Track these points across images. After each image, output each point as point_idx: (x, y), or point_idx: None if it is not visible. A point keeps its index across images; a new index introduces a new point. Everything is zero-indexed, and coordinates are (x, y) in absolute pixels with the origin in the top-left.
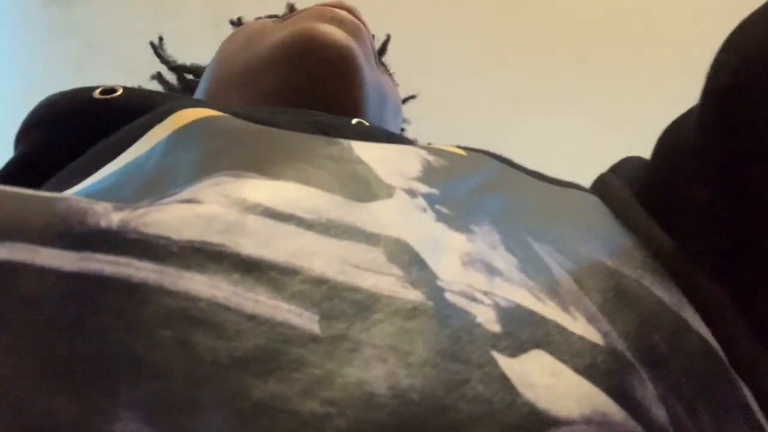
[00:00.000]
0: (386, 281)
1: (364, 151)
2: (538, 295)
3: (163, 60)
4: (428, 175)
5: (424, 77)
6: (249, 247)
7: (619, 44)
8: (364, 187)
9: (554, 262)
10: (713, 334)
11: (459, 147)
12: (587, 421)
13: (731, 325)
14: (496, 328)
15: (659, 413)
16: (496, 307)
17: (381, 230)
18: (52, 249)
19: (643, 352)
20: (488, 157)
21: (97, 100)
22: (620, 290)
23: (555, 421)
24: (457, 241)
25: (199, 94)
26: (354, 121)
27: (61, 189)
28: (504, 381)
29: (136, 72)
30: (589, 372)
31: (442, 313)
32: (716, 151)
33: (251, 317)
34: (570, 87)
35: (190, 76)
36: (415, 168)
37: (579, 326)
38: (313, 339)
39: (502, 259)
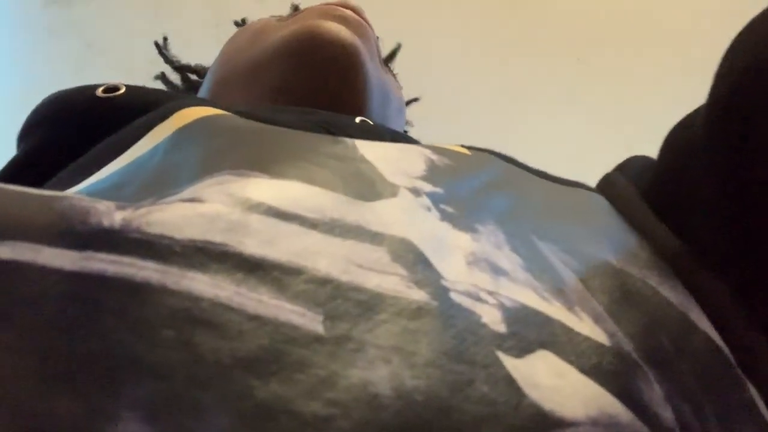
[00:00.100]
0: (390, 281)
1: (368, 149)
2: (544, 295)
3: (167, 60)
4: (433, 174)
5: (424, 77)
6: (252, 246)
7: (619, 44)
8: (368, 186)
9: (560, 261)
10: (719, 334)
11: (463, 146)
12: (594, 422)
13: (737, 325)
14: (502, 328)
15: (666, 414)
16: (501, 307)
17: (385, 229)
18: (54, 248)
19: (649, 353)
20: (493, 156)
21: (100, 98)
22: (626, 290)
23: (561, 423)
24: (461, 240)
25: (202, 93)
26: (358, 119)
27: (63, 187)
28: (509, 382)
29: (136, 72)
30: (595, 373)
31: (447, 313)
32: (722, 153)
33: (254, 317)
34: (570, 87)
35: (193, 77)
36: (420, 167)
37: (585, 326)
38: (317, 339)
39: (507, 259)
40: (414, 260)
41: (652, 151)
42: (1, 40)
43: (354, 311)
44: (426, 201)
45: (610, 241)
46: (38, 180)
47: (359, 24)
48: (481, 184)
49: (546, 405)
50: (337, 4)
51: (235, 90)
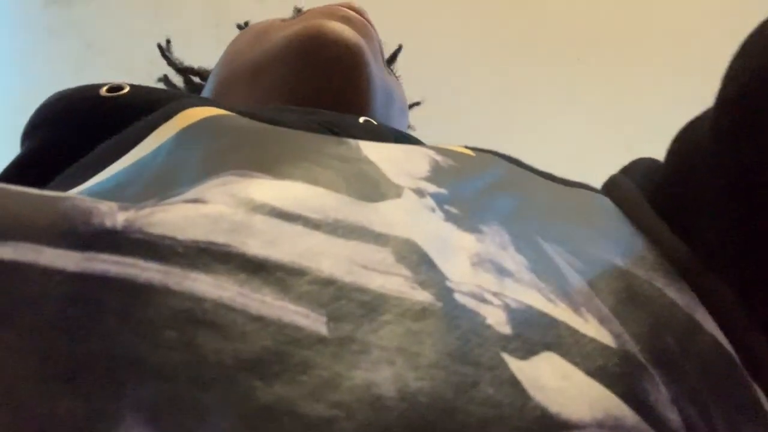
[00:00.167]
0: (394, 282)
1: (372, 150)
2: (549, 297)
3: (170, 62)
4: (437, 175)
5: (425, 78)
6: (255, 247)
7: (619, 44)
8: (371, 186)
9: (565, 262)
10: (725, 336)
11: (467, 147)
12: (599, 424)
13: (744, 327)
14: (506, 329)
15: (672, 416)
16: (506, 308)
17: (389, 230)
18: (57, 249)
19: (655, 354)
20: (497, 157)
21: (104, 97)
22: (632, 291)
23: (567, 425)
24: (466, 241)
25: (205, 94)
26: (361, 119)
27: (67, 187)
28: (514, 383)
29: (137, 72)
30: (601, 374)
31: (452, 314)
32: (730, 157)
33: (257, 318)
34: (570, 87)
35: (196, 79)
36: (424, 168)
37: (590, 328)
38: (321, 341)
39: (512, 260)
40: (418, 261)
41: (652, 150)
42: (1, 40)
43: (358, 312)
44: (430, 202)
45: (616, 243)
46: (41, 179)
47: (363, 24)
48: (485, 185)
49: (551, 407)
50: (340, 5)
51: (238, 90)
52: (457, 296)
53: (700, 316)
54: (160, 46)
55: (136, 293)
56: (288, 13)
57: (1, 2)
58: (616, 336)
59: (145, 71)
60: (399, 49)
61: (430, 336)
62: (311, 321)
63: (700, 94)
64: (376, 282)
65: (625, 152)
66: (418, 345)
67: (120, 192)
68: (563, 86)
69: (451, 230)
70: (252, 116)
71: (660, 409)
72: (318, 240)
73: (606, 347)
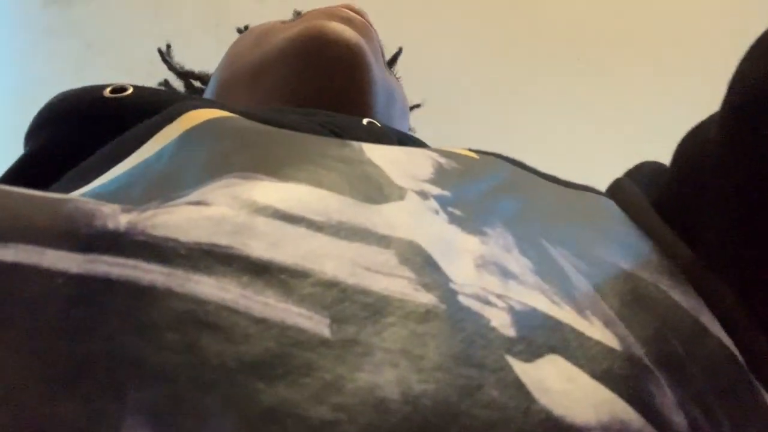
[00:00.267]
0: (398, 284)
1: (375, 152)
2: (554, 299)
3: (171, 66)
4: (440, 177)
5: (424, 78)
6: (258, 249)
7: (619, 44)
8: (375, 189)
9: (570, 265)
10: (731, 339)
11: (471, 150)
12: (605, 428)
13: (749, 330)
14: (511, 332)
15: (678, 419)
16: (511, 310)
17: (392, 232)
18: (59, 251)
19: (661, 357)
20: (501, 160)
21: (107, 99)
22: (637, 294)
23: (572, 428)
24: (470, 243)
25: (207, 97)
26: (365, 121)
27: (69, 189)
28: (519, 386)
29: (136, 72)
30: (606, 377)
31: (456, 316)
32: (736, 161)
33: (260, 320)
34: (570, 87)
35: (197, 83)
36: (427, 170)
37: (596, 331)
38: (324, 343)
39: (517, 262)
40: (422, 263)
41: (652, 150)
42: (1, 40)
43: (361, 314)
44: (434, 204)
45: (621, 246)
46: (44, 180)
47: (363, 25)
48: (489, 188)
49: (556, 410)
50: (340, 7)
51: (240, 92)
52: (461, 298)
53: (706, 318)
54: (160, 51)
55: (138, 295)
56: (288, 13)
57: (1, 2)
58: (622, 339)
59: (145, 71)
60: (399, 51)
61: (434, 338)
62: (314, 323)
63: (700, 94)
64: (380, 284)
65: (624, 152)
66: (421, 347)
67: (123, 194)
68: (563, 86)
69: (454, 232)
70: (255, 118)
71: (666, 412)
72: (321, 242)
73: (611, 350)
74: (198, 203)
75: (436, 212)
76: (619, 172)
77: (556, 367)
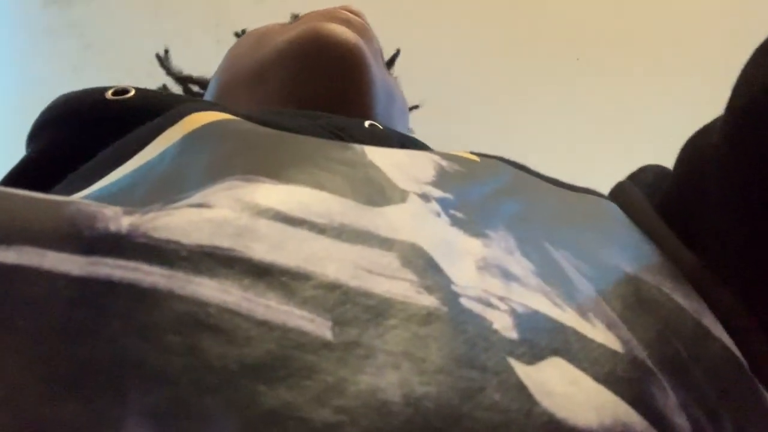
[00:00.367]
0: (400, 286)
1: (378, 155)
2: (556, 301)
3: (169, 72)
4: (442, 179)
5: (423, 78)
6: (260, 251)
7: (619, 44)
8: (377, 191)
9: (572, 267)
10: (733, 341)
11: (473, 153)
12: (607, 430)
13: (751, 333)
14: (513, 334)
15: (681, 421)
16: (513, 313)
17: (395, 235)
18: (61, 253)
19: (664, 360)
20: (503, 162)
21: (109, 101)
22: (640, 297)
23: (574, 431)
24: (472, 245)
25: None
26: (367, 123)
27: (72, 191)
28: (521, 389)
29: (136, 72)
30: (608, 380)
31: (458, 318)
32: (739, 165)
33: (262, 323)
34: (570, 87)
35: (196, 87)
36: (429, 173)
37: (598, 333)
38: (326, 345)
39: (519, 265)
40: (424, 265)
41: (651, 150)
42: (1, 40)
43: (363, 317)
44: (436, 206)
45: (623, 248)
46: (46, 182)
47: (362, 26)
48: (491, 190)
49: (559, 413)
50: (338, 8)
51: (239, 95)
52: (463, 301)
53: (708, 321)
54: (158, 56)
55: (140, 297)
56: (288, 13)
57: (1, 2)
58: (624, 341)
59: (144, 71)
60: (397, 53)
61: (436, 341)
62: (316, 326)
63: (699, 95)
64: (382, 286)
65: (624, 152)
66: (423, 350)
67: (125, 196)
68: (563, 86)
69: (456, 235)
70: (257, 121)
71: (668, 415)
72: (323, 244)
73: (614, 352)
74: (200, 205)
75: (438, 215)
76: (618, 172)
77: (558, 369)
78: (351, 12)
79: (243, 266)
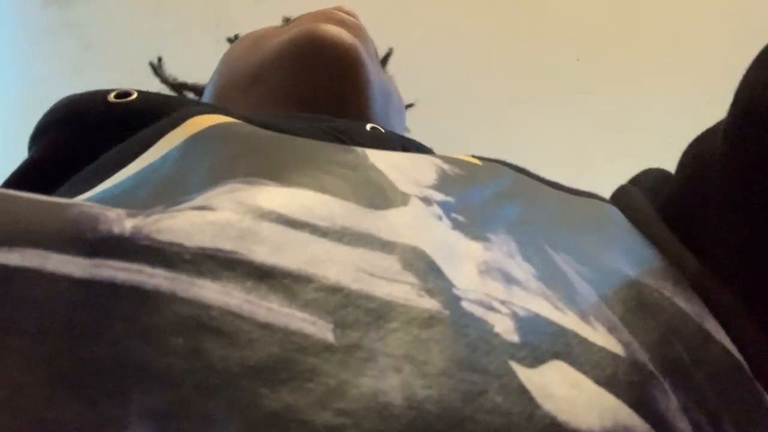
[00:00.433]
0: (402, 289)
1: (379, 158)
2: (557, 305)
3: (163, 80)
4: (443, 183)
5: (423, 78)
6: (262, 254)
7: (619, 44)
8: (379, 194)
9: (573, 271)
10: (735, 345)
11: (474, 156)
12: None
13: (753, 337)
14: (514, 337)
15: (682, 425)
16: (514, 316)
17: (396, 238)
18: (64, 255)
19: (665, 363)
20: (504, 166)
21: (112, 103)
22: (641, 300)
23: None
24: (473, 249)
25: None
26: (368, 126)
27: (74, 193)
28: (523, 392)
29: (136, 72)
30: (610, 383)
31: (459, 322)
32: (741, 169)
33: (264, 325)
34: (570, 87)
35: (191, 94)
36: (430, 176)
37: (599, 337)
38: (327, 348)
39: (520, 268)
40: (425, 269)
41: (651, 151)
42: (1, 40)
43: (364, 320)
44: (437, 210)
45: (625, 252)
46: (48, 185)
47: (357, 26)
48: (492, 194)
49: (560, 416)
50: (332, 9)
51: (237, 98)
52: (465, 304)
53: (710, 324)
54: (152, 64)
55: (143, 299)
56: (288, 13)
57: (1, 2)
58: (626, 345)
59: (144, 71)
60: (390, 52)
61: (437, 344)
62: (318, 328)
63: (700, 95)
64: (383, 289)
65: (624, 152)
66: (425, 353)
67: (127, 198)
68: (563, 86)
69: (458, 238)
70: (259, 124)
71: (670, 418)
72: (325, 247)
73: (615, 356)
74: (202, 208)
75: (440, 218)
76: (618, 172)
77: (559, 372)
78: (345, 12)
79: (245, 269)
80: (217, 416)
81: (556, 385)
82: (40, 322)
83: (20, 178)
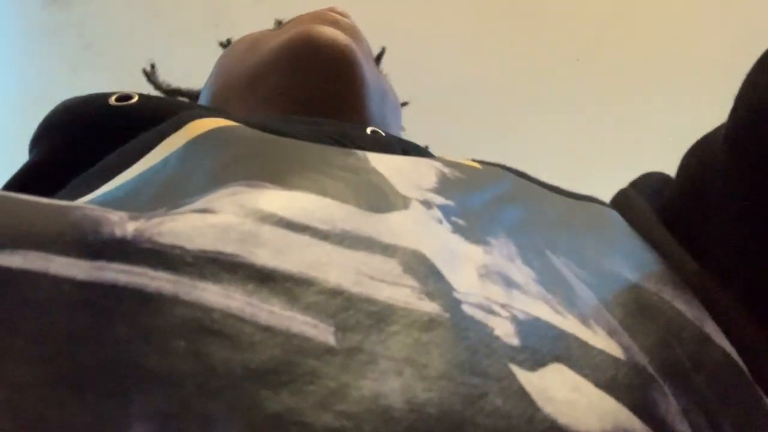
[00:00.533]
0: (402, 293)
1: (380, 162)
2: (557, 308)
3: (157, 86)
4: (444, 186)
5: (423, 78)
6: (264, 257)
7: (619, 44)
8: (380, 198)
9: (573, 275)
10: (735, 348)
11: (474, 160)
12: None
13: (753, 340)
14: (515, 341)
15: (682, 428)
16: (514, 319)
17: (397, 241)
18: (66, 258)
19: (665, 366)
20: (504, 170)
21: (113, 106)
22: (641, 304)
23: None
24: (473, 252)
25: None
26: (369, 130)
27: (76, 196)
28: (523, 395)
29: (136, 72)
30: (610, 386)
31: (460, 325)
32: (743, 176)
33: (266, 328)
34: (569, 87)
35: (185, 100)
36: (431, 180)
37: (599, 340)
38: (328, 351)
39: (520, 272)
40: (426, 272)
41: (651, 151)
42: (0, 40)
43: (365, 323)
44: (437, 213)
45: (624, 256)
46: (50, 187)
47: (351, 27)
48: (492, 198)
49: (561, 419)
50: (326, 10)
51: (234, 102)
52: (465, 307)
53: (709, 327)
54: (145, 71)
55: (145, 302)
56: (288, 13)
57: (0, 2)
58: (626, 348)
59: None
60: (383, 51)
61: (438, 347)
62: (319, 331)
63: (700, 95)
64: (384, 293)
65: (623, 152)
66: (426, 356)
67: (129, 201)
68: (563, 86)
69: (458, 242)
70: (260, 127)
71: (670, 421)
72: (326, 250)
73: (615, 359)
74: (204, 211)
75: (440, 222)
76: (618, 172)
77: (560, 376)
78: (338, 13)
79: (246, 272)
80: (218, 418)
81: (556, 388)
82: (42, 323)
83: (21, 181)
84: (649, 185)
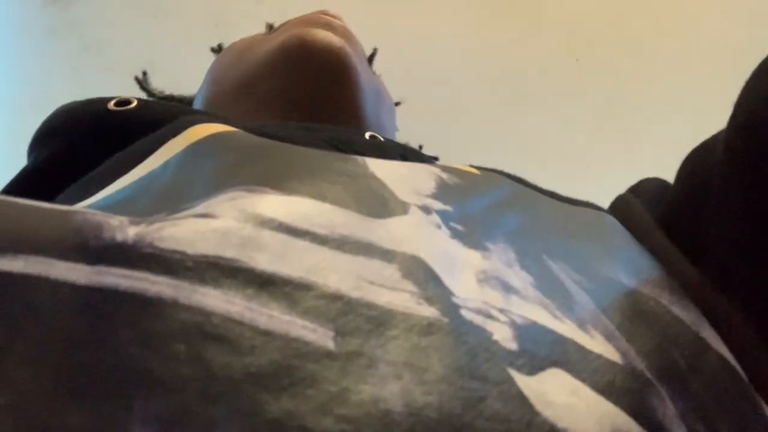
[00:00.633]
0: (401, 297)
1: (379, 167)
2: (555, 313)
3: (150, 93)
4: (442, 192)
5: (422, 78)
6: (263, 262)
7: (619, 44)
8: (379, 203)
9: (570, 280)
10: (732, 354)
11: (472, 166)
12: None
13: (752, 345)
14: (513, 345)
15: None
16: (513, 324)
17: (396, 246)
18: (67, 262)
19: (662, 371)
20: (502, 176)
21: (112, 111)
22: (639, 309)
23: None
24: (472, 258)
25: None
26: (367, 135)
27: (75, 201)
28: (522, 399)
29: (135, 73)
30: (608, 391)
31: (458, 329)
32: (742, 182)
33: (265, 333)
34: (569, 87)
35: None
36: (430, 185)
37: (597, 344)
38: (328, 355)
39: (518, 277)
40: (425, 277)
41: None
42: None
43: (365, 327)
44: (436, 219)
45: (622, 261)
46: (49, 192)
47: (344, 29)
48: (490, 203)
49: (559, 423)
50: (318, 13)
51: (228, 107)
52: (464, 312)
53: (707, 333)
54: (137, 78)
55: (145, 306)
56: (287, 13)
57: (0, 2)
58: (623, 352)
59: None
60: (374, 52)
61: (437, 351)
62: (318, 336)
63: (700, 96)
64: (383, 297)
65: (623, 153)
66: (425, 360)
67: (128, 206)
68: (562, 86)
69: (457, 247)
70: (259, 132)
71: (668, 425)
72: (325, 255)
73: (613, 364)
74: (204, 216)
75: (439, 227)
76: (617, 173)
77: (558, 380)
78: (330, 15)
79: (246, 276)
80: (219, 422)
81: (554, 393)
82: (43, 328)
83: (19, 186)
84: (647, 191)
